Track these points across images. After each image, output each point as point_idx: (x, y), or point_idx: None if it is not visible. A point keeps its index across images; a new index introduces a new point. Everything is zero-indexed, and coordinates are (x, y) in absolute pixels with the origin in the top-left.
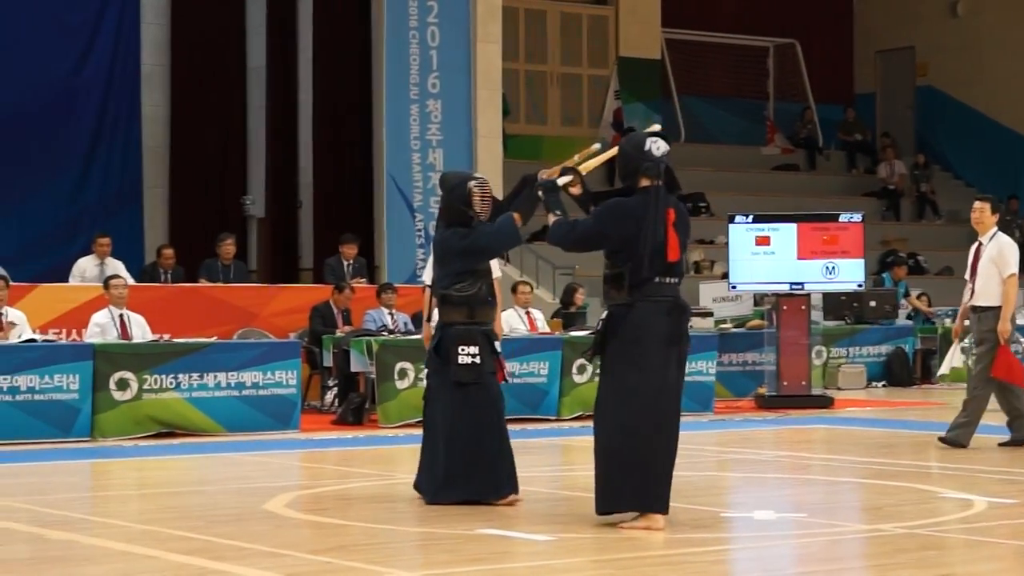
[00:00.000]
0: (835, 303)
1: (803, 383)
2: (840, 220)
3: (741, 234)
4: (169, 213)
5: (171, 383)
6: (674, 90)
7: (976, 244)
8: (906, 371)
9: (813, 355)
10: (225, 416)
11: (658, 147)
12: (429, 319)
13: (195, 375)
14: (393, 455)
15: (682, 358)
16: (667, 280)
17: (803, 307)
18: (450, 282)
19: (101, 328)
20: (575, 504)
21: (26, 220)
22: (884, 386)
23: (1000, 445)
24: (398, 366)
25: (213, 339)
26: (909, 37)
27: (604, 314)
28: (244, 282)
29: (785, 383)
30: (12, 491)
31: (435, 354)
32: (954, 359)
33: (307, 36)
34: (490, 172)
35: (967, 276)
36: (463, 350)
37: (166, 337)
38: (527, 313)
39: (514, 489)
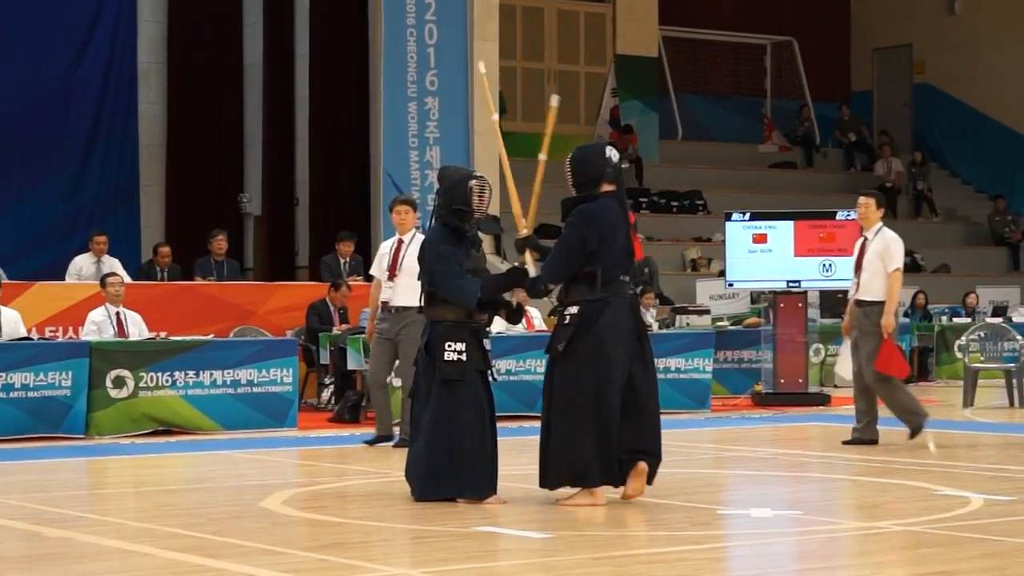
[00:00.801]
0: (832, 301)
1: (800, 381)
2: (837, 218)
3: (738, 232)
4: (166, 211)
5: (167, 381)
6: (671, 88)
7: (861, 239)
8: None
9: (810, 353)
10: (222, 414)
11: (615, 154)
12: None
13: (191, 373)
14: (390, 453)
15: (649, 351)
16: (626, 278)
17: (800, 305)
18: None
19: (97, 326)
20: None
21: (23, 218)
22: None
23: (844, 443)
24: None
25: (210, 337)
26: (906, 35)
27: (574, 309)
28: (237, 278)
29: (782, 381)
30: (8, 488)
31: (424, 351)
32: (848, 359)
33: (304, 33)
34: (487, 170)
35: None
36: (449, 346)
37: (163, 335)
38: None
39: (493, 491)
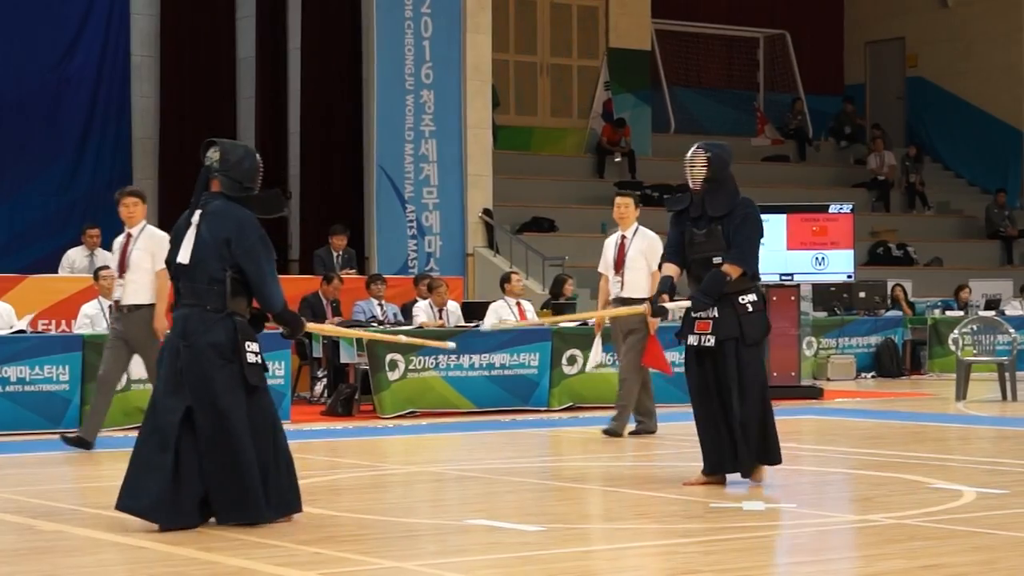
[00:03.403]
0: (825, 294)
1: (792, 374)
2: (830, 211)
3: None
4: (159, 204)
5: None
6: (664, 81)
7: (618, 237)
8: (895, 362)
9: (803, 346)
10: None
11: None
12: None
13: None
14: (383, 446)
15: None
16: None
17: (792, 298)
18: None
19: (90, 319)
20: (565, 494)
21: (16, 211)
22: (873, 377)
23: (630, 434)
24: (388, 357)
25: None
26: (899, 28)
27: (753, 296)
28: None
29: (775, 374)
30: (2, 482)
31: (215, 348)
32: (598, 352)
33: (296, 27)
34: (480, 163)
35: (602, 269)
36: (249, 346)
37: None
38: (518, 304)
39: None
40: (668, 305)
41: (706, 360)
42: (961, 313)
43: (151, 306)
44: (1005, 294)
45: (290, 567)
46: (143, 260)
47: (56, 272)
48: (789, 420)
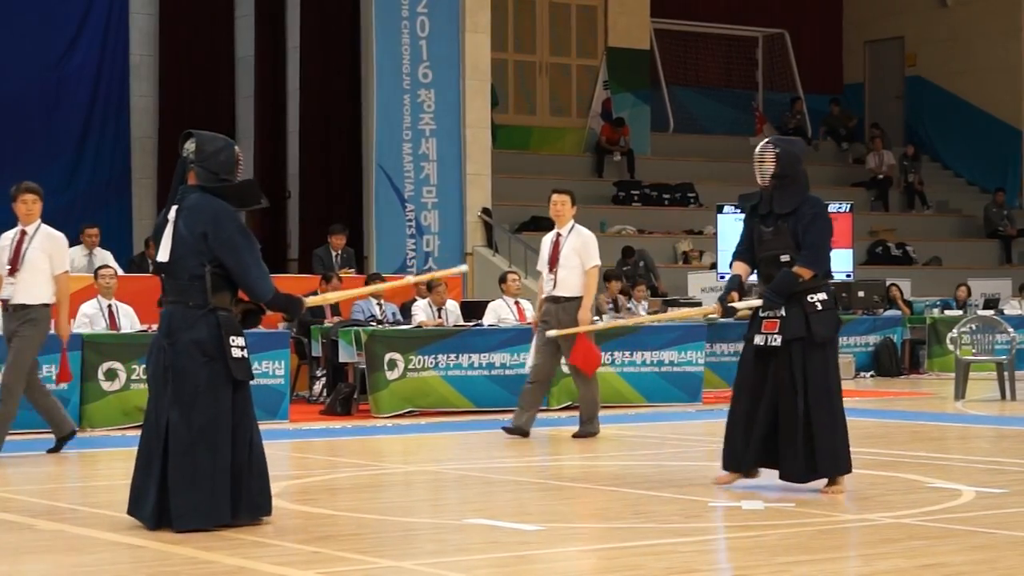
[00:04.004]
0: None
1: None
2: (828, 210)
3: (730, 224)
4: (157, 204)
5: None
6: (663, 80)
7: (554, 235)
8: (894, 361)
9: None
10: None
11: None
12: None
13: None
14: (382, 445)
15: None
16: None
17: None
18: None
19: (89, 319)
20: (563, 494)
21: None
22: (872, 376)
23: (574, 436)
24: (387, 356)
25: None
26: (898, 27)
27: (823, 296)
28: None
29: None
30: (1, 481)
31: (196, 345)
32: (532, 351)
33: (295, 26)
34: (479, 162)
35: (540, 267)
36: (234, 341)
37: (154, 328)
38: (516, 303)
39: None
40: (738, 305)
41: (769, 359)
42: (960, 312)
43: (42, 306)
44: (1004, 293)
45: (289, 566)
46: (39, 260)
47: None
48: None
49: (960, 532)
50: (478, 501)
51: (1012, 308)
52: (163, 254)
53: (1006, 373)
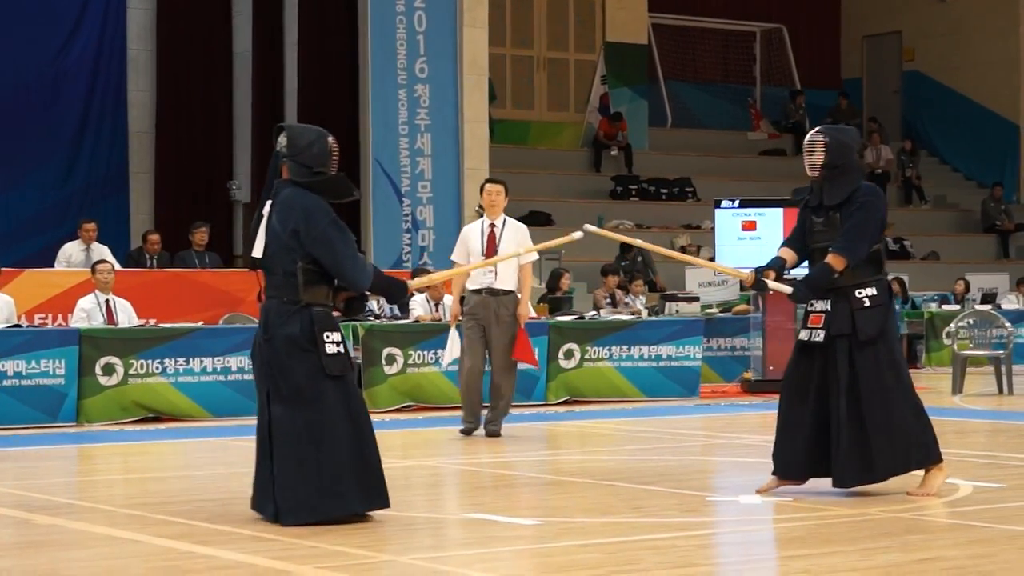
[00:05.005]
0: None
1: None
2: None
3: (727, 219)
4: (155, 198)
5: (157, 368)
6: (661, 75)
7: (486, 226)
8: None
9: None
10: (211, 401)
11: None
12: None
13: (181, 360)
14: (380, 440)
15: None
16: None
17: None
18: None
19: (87, 313)
20: (561, 488)
21: (12, 205)
22: None
23: (489, 435)
24: (385, 351)
25: (199, 324)
26: (896, 22)
27: (872, 291)
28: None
29: (771, 368)
30: None
31: (291, 342)
32: (455, 346)
33: (293, 21)
34: (477, 157)
35: (459, 258)
36: (328, 337)
37: (152, 322)
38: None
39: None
40: (769, 282)
41: (815, 356)
42: (957, 307)
43: None
44: (1001, 288)
45: (287, 560)
46: None
47: (52, 266)
48: None
49: (958, 526)
50: (476, 496)
51: (1009, 302)
52: (257, 250)
53: (1003, 367)
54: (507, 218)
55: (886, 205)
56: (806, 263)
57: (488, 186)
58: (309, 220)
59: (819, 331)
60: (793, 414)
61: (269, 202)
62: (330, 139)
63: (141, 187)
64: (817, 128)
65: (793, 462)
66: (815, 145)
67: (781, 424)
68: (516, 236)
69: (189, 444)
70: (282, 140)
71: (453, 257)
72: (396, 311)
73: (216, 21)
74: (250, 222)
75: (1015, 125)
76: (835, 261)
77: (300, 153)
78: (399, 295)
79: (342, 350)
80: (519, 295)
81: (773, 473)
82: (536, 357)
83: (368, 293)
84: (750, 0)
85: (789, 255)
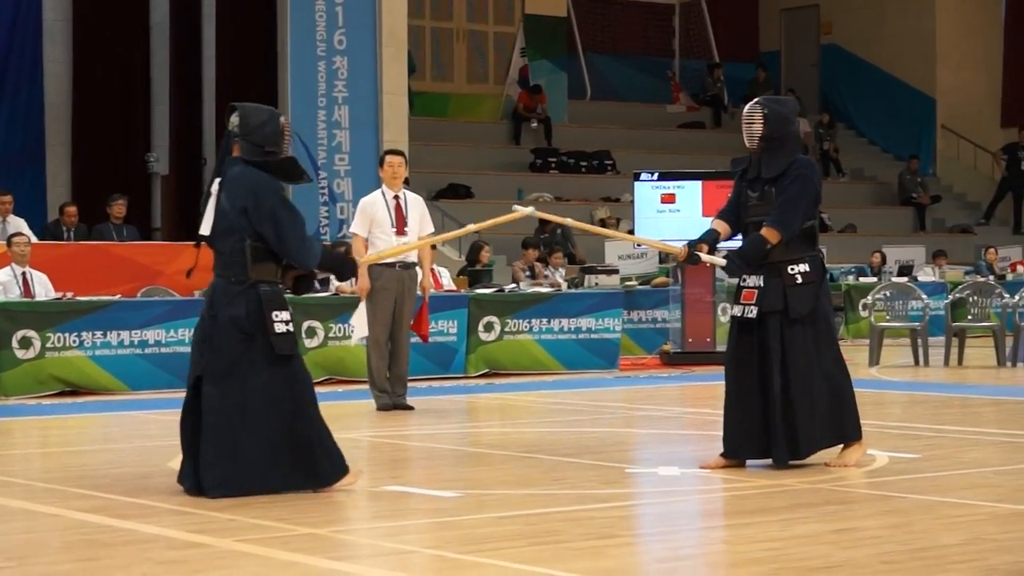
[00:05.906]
0: None
1: (708, 340)
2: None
3: (647, 192)
4: (72, 170)
5: (74, 341)
6: (580, 47)
7: (390, 198)
8: None
9: (718, 312)
10: (129, 374)
11: None
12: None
13: (99, 333)
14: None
15: None
16: None
17: (708, 265)
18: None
19: (3, 286)
20: (481, 461)
21: None
22: None
23: (404, 407)
24: (305, 324)
25: (117, 297)
26: None
27: (804, 267)
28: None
29: (690, 340)
30: None
31: (235, 323)
32: (363, 321)
33: None
34: (396, 130)
35: (359, 230)
36: (277, 316)
37: (69, 295)
38: (432, 270)
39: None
40: (702, 255)
41: (750, 333)
42: (874, 279)
43: None
44: (918, 260)
45: (205, 534)
46: None
47: None
48: (704, 386)
49: (875, 497)
50: (394, 469)
51: (926, 275)
52: (205, 228)
53: (919, 339)
54: (406, 190)
55: (820, 179)
56: (740, 236)
57: (389, 158)
58: (258, 197)
59: (752, 307)
60: (740, 391)
61: (218, 180)
62: (282, 119)
63: (58, 159)
64: (756, 99)
65: (740, 443)
66: (754, 116)
67: (729, 404)
68: (419, 208)
69: (107, 418)
70: (234, 119)
71: (354, 229)
72: (317, 284)
73: None
74: (167, 195)
75: (931, 99)
76: (769, 234)
77: (252, 132)
78: (349, 272)
79: (291, 328)
80: (419, 268)
81: (722, 455)
82: (427, 330)
83: (317, 271)
84: None
85: (722, 227)
